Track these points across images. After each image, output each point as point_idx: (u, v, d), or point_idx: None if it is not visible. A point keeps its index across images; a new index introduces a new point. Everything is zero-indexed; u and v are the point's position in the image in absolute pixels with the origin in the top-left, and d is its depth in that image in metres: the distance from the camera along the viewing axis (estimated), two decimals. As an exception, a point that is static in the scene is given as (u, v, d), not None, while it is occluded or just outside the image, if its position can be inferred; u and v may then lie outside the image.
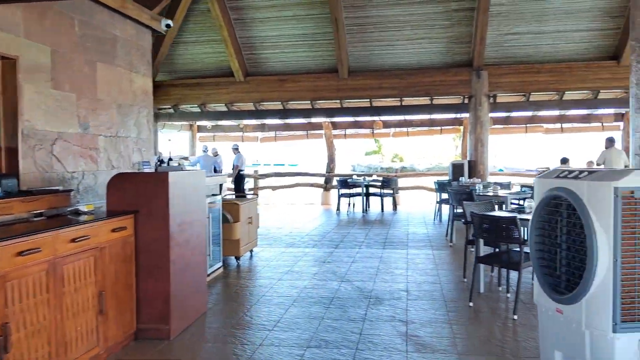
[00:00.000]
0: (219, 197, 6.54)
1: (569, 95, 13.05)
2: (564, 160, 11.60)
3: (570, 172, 2.94)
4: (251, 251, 7.71)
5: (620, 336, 2.60)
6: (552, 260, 2.99)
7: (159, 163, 6.33)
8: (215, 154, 13.53)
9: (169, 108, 14.14)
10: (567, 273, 2.88)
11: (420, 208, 14.23)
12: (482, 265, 5.45)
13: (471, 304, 5.07)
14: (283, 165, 53.08)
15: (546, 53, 12.00)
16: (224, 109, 14.38)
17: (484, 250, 5.64)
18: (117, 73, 5.18)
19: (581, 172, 2.86)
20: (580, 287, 2.72)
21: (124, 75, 5.29)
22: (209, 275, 6.12)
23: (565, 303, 2.86)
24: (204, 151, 13.54)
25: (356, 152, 47.64)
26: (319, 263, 7.06)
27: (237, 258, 7.16)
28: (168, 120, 14.58)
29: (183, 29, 12.63)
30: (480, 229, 5.10)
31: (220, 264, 6.57)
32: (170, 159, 6.75)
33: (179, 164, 6.61)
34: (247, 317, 4.80)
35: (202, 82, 13.62)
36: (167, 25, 5.79)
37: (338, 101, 13.71)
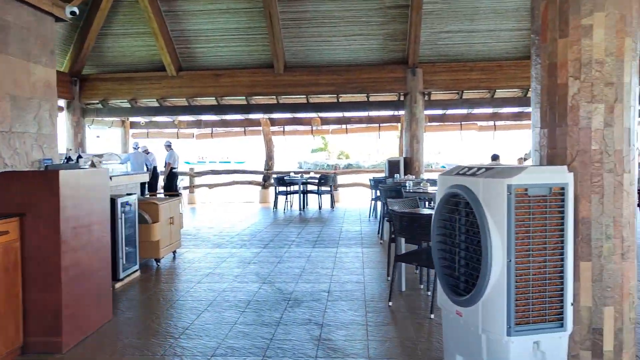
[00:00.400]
0: (134, 197, 6.17)
1: (501, 94, 13.32)
2: (495, 157, 11.81)
3: (470, 168, 2.84)
4: (174, 252, 7.36)
5: (514, 339, 2.51)
6: (453, 260, 2.89)
7: (65, 161, 5.92)
8: (146, 152, 13.00)
9: (97, 103, 13.47)
10: (465, 274, 2.78)
11: (358, 205, 14.18)
12: (403, 263, 5.37)
13: (390, 303, 4.97)
14: (229, 162, 52.48)
15: (478, 52, 12.18)
16: (157, 104, 13.85)
17: (409, 247, 5.57)
18: (9, 63, 4.74)
19: (479, 168, 2.76)
20: (477, 289, 2.61)
21: (19, 66, 4.85)
22: (122, 279, 5.77)
23: (464, 305, 2.75)
24: (135, 148, 12.98)
25: (303, 149, 47.65)
26: (244, 264, 6.81)
27: (157, 260, 6.81)
28: (96, 116, 13.89)
29: (111, 20, 12.03)
30: (400, 226, 5.00)
31: (137, 267, 6.21)
32: (79, 157, 6.33)
33: (92, 162, 6.21)
34: (155, 325, 4.51)
35: (132, 76, 13.05)
36: (72, 13, 5.36)
37: (275, 97, 13.46)
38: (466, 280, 2.76)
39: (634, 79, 2.73)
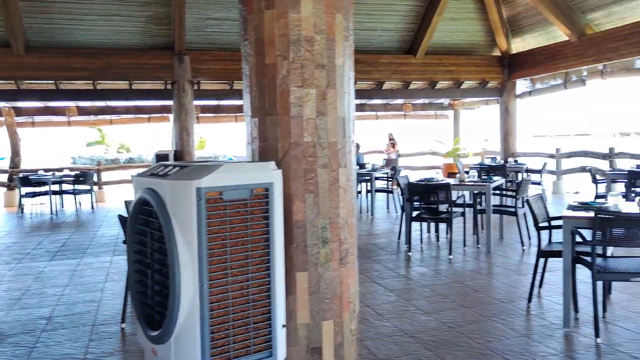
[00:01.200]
0: None
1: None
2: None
3: (165, 167, 2.25)
4: None
5: (212, 382, 2.00)
6: (146, 285, 2.27)
7: None
8: None
9: None
10: (159, 303, 2.18)
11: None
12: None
13: (124, 325, 4.20)
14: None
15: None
16: None
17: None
18: None
19: (174, 167, 2.19)
20: (167, 323, 2.04)
21: None
22: None
23: (158, 342, 2.16)
24: None
25: (78, 142, 43.07)
26: (-57, 292, 5.32)
27: None
28: None
29: None
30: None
31: None
32: None
33: None
34: None
35: None
36: None
37: (15, 82, 11.36)
38: (160, 312, 2.16)
39: (347, 61, 2.43)
